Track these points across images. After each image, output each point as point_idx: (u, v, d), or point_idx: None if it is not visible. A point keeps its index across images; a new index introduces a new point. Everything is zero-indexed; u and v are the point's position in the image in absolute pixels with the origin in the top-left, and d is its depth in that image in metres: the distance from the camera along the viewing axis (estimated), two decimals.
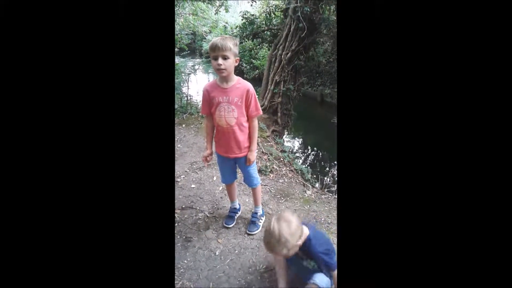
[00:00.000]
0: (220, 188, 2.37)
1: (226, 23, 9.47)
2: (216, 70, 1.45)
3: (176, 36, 5.31)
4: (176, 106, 4.38)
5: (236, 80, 1.54)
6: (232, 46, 1.41)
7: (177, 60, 5.48)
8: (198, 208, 2.12)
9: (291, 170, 2.90)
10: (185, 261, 1.65)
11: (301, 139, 6.04)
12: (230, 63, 1.44)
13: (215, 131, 1.65)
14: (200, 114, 3.92)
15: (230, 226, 1.91)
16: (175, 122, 3.82)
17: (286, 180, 2.64)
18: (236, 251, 1.71)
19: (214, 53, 1.41)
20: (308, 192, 2.46)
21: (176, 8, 5.67)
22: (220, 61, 1.41)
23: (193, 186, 2.41)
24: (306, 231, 1.18)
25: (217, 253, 1.71)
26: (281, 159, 3.06)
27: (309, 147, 5.72)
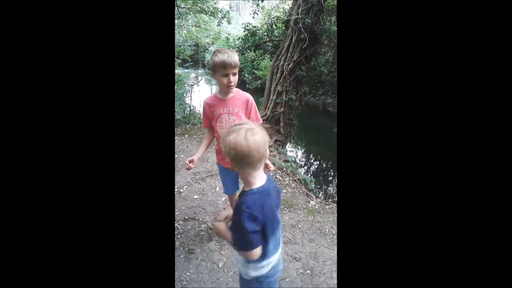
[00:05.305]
0: (223, 198, 2.36)
1: (229, 34, 9.62)
2: (226, 87, 1.45)
3: (179, 48, 5.39)
4: (179, 117, 4.41)
5: (235, 91, 1.56)
6: (238, 61, 1.43)
7: (180, 71, 5.56)
8: (200, 219, 2.11)
9: (294, 180, 2.88)
10: (188, 273, 1.63)
11: (304, 149, 6.03)
12: (237, 78, 1.46)
13: (216, 143, 1.66)
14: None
15: None
16: (178, 132, 3.84)
17: (289, 190, 2.62)
18: None
19: (226, 71, 1.40)
20: (312, 202, 2.44)
21: (179, 20, 5.78)
22: (231, 78, 1.42)
23: (195, 197, 2.40)
24: (261, 180, 0.89)
25: (220, 265, 1.69)
26: (284, 169, 3.05)
27: (312, 157, 5.70)
